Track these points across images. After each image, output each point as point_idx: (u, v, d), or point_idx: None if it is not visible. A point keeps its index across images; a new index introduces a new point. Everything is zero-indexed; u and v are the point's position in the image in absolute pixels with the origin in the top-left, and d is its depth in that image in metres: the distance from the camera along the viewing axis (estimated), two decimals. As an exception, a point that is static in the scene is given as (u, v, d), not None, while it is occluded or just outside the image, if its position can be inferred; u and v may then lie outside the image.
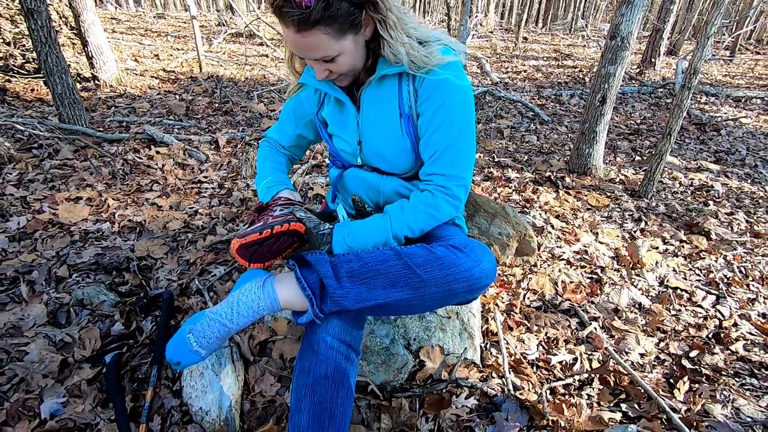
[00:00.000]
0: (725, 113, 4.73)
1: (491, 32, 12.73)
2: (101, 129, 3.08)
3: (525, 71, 6.95)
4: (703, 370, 1.34)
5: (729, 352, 1.43)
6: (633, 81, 6.15)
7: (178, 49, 6.84)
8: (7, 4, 4.19)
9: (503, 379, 1.27)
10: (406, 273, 0.81)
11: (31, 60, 4.17)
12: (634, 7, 2.47)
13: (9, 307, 1.45)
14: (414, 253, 0.83)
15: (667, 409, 1.16)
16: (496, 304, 1.56)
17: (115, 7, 12.31)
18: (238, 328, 0.85)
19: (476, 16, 12.73)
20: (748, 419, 1.18)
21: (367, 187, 1.10)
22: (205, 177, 2.51)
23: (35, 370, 1.25)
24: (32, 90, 4.04)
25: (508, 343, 1.40)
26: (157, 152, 2.70)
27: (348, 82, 0.98)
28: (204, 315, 0.85)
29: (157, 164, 2.57)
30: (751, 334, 1.52)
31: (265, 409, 1.17)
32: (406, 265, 0.82)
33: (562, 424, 1.12)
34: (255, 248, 0.89)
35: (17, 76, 4.10)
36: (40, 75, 4.11)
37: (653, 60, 6.77)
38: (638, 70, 6.85)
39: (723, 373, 1.34)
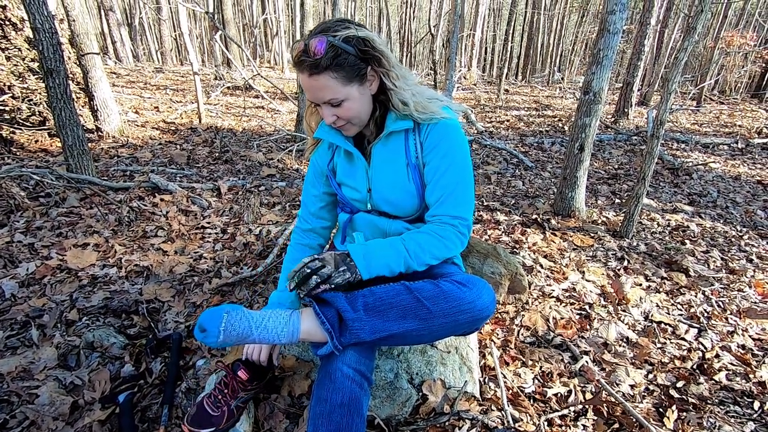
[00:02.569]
0: (695, 158, 5.06)
1: (474, 85, 13.50)
2: (106, 177, 3.19)
3: (508, 121, 7.37)
4: (689, 399, 1.42)
5: (713, 381, 1.51)
6: (609, 129, 6.56)
7: (177, 102, 7.14)
8: (17, 63, 4.43)
9: (503, 411, 1.32)
10: (416, 305, 0.91)
11: (37, 113, 4.34)
12: (603, 67, 2.76)
13: (20, 351, 1.48)
14: (423, 287, 0.93)
15: (658, 436, 1.23)
16: (492, 340, 1.64)
17: (115, 62, 12.82)
18: (255, 339, 0.92)
19: (460, 70, 13.57)
20: (734, 444, 1.25)
21: (374, 230, 1.21)
22: (209, 223, 2.60)
23: (46, 412, 1.27)
24: (36, 141, 4.18)
25: (505, 377, 1.47)
26: (162, 199, 2.80)
27: (354, 132, 1.12)
28: (241, 309, 0.93)
29: (161, 211, 2.66)
30: (732, 364, 1.61)
31: (275, 446, 1.20)
32: (416, 298, 0.91)
33: (561, 453, 1.17)
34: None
35: (22, 128, 4.25)
36: (45, 127, 4.27)
37: (626, 110, 7.27)
38: (613, 119, 7.32)
39: (708, 401, 1.41)
